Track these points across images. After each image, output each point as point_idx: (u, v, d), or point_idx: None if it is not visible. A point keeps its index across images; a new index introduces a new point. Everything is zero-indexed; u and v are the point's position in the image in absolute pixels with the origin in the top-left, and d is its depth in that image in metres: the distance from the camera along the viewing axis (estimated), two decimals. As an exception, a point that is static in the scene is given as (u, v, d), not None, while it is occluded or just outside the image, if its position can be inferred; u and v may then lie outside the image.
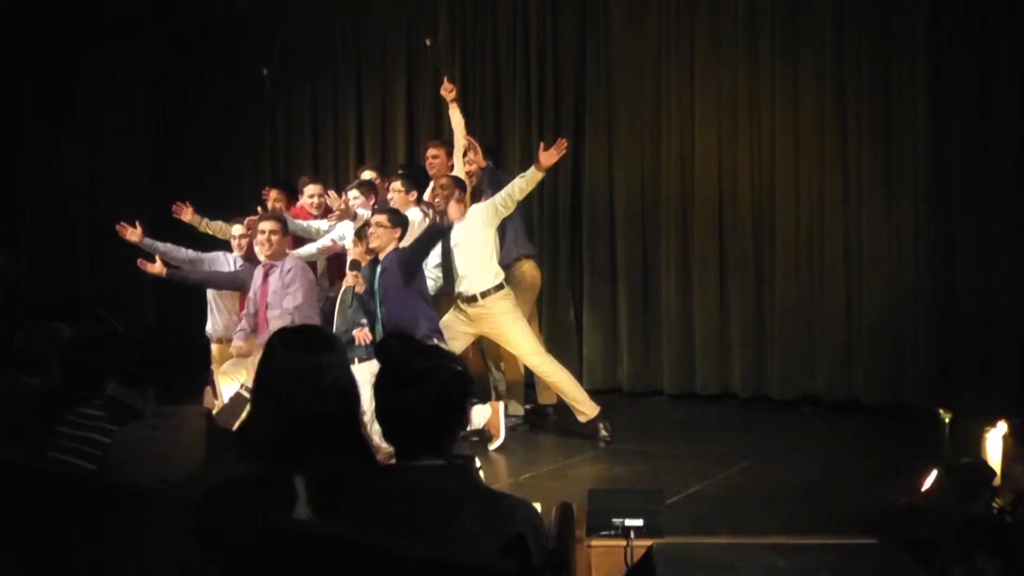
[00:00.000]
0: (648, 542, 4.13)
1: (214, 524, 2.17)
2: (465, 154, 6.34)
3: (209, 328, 6.93)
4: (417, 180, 6.77)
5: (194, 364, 3.06)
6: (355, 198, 6.72)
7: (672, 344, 7.65)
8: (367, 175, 7.38)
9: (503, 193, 6.03)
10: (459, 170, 6.47)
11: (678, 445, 6.25)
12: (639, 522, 4.12)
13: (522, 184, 5.95)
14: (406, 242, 6.04)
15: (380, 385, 2.24)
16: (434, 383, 2.19)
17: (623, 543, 4.03)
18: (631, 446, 6.18)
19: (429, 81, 8.51)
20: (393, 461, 2.25)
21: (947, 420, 5.27)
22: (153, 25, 9.19)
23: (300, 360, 2.44)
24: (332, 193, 6.86)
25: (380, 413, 2.24)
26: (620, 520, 4.06)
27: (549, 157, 5.84)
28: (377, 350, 2.29)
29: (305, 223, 6.96)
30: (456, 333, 6.14)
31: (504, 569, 1.87)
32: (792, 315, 7.31)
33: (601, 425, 6.24)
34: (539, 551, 2.13)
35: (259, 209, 7.10)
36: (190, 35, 9.32)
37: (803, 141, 7.30)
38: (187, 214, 7.07)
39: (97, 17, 8.92)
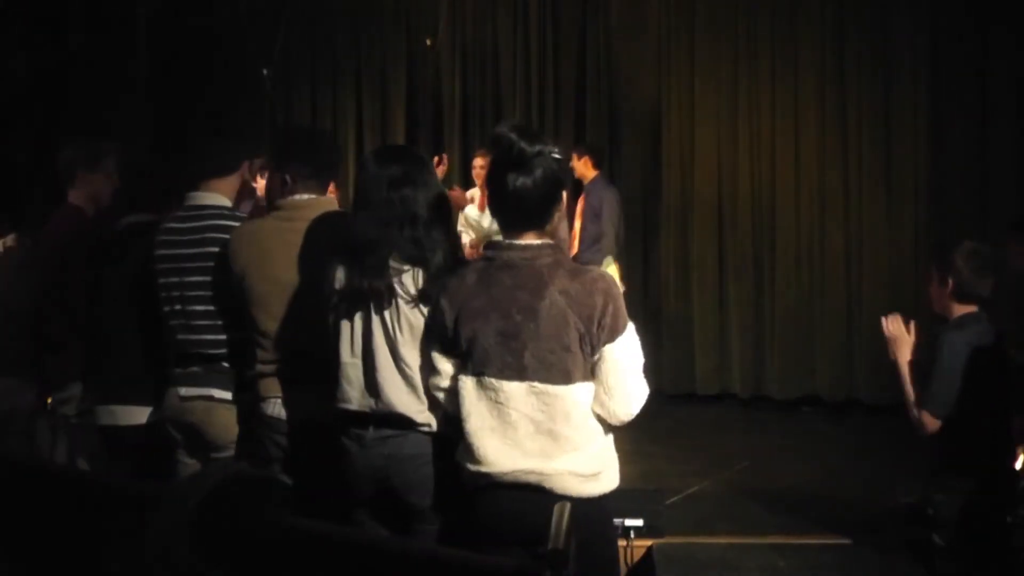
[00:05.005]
0: (648, 542, 4.14)
1: (213, 524, 2.17)
2: None
3: None
4: None
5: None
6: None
7: (672, 344, 7.65)
8: None
9: None
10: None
11: (678, 445, 6.25)
12: (639, 522, 4.13)
13: None
14: None
15: (495, 169, 2.56)
16: (541, 166, 2.49)
17: (623, 543, 4.03)
18: (631, 446, 6.17)
19: (429, 81, 8.51)
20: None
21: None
22: (153, 25, 9.19)
23: (390, 171, 2.72)
24: None
25: (493, 194, 2.57)
26: (620, 520, 4.06)
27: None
28: (493, 139, 2.59)
29: None
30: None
31: (504, 568, 1.87)
32: (792, 315, 7.31)
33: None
34: (614, 317, 2.49)
35: None
36: (190, 35, 9.32)
37: (803, 141, 7.31)
38: None
39: (97, 17, 8.92)
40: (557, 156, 2.56)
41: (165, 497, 2.00)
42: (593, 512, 2.46)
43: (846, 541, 4.24)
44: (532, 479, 2.45)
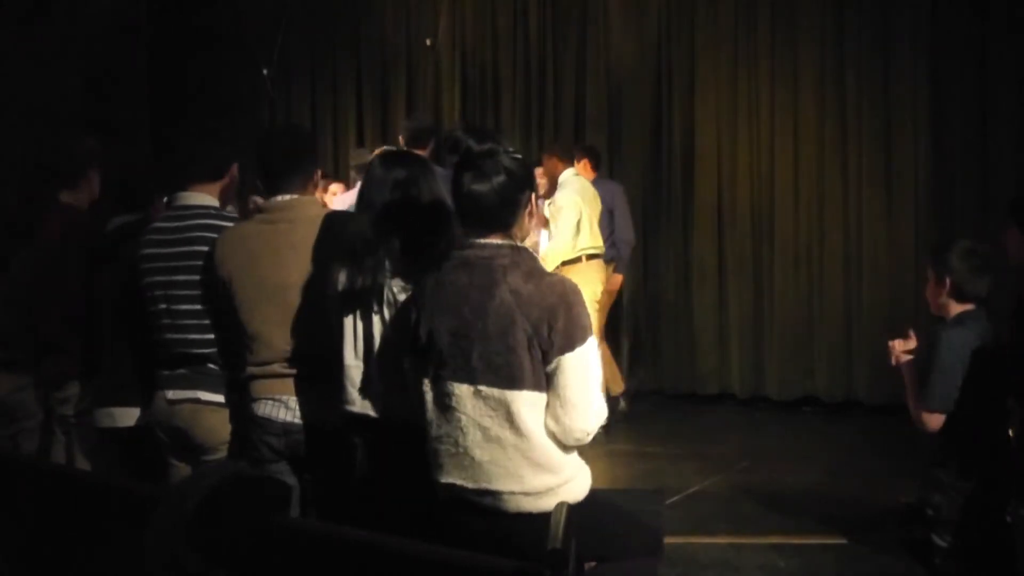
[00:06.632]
0: (648, 542, 4.12)
1: (213, 524, 2.17)
2: None
3: None
4: None
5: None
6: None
7: (672, 344, 7.65)
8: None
9: None
10: None
11: (678, 445, 6.25)
12: (639, 522, 4.11)
13: None
14: None
15: (454, 171, 2.52)
16: (496, 166, 2.45)
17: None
18: (631, 446, 6.18)
19: (429, 81, 8.51)
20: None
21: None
22: (153, 25, 9.19)
23: (395, 174, 2.76)
24: None
25: (453, 197, 2.54)
26: (620, 520, 4.05)
27: None
28: (448, 143, 2.61)
29: None
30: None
31: (504, 568, 1.87)
32: (792, 315, 7.31)
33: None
34: (570, 324, 2.39)
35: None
36: (190, 35, 9.32)
37: (803, 141, 7.30)
38: None
39: (97, 17, 8.91)
40: (515, 156, 2.51)
41: (164, 497, 2.00)
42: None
43: (846, 541, 4.24)
44: (487, 501, 2.43)
